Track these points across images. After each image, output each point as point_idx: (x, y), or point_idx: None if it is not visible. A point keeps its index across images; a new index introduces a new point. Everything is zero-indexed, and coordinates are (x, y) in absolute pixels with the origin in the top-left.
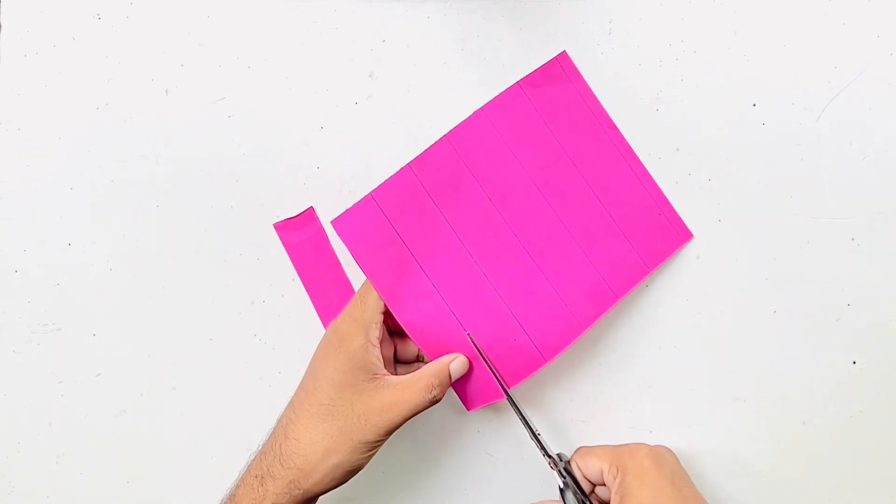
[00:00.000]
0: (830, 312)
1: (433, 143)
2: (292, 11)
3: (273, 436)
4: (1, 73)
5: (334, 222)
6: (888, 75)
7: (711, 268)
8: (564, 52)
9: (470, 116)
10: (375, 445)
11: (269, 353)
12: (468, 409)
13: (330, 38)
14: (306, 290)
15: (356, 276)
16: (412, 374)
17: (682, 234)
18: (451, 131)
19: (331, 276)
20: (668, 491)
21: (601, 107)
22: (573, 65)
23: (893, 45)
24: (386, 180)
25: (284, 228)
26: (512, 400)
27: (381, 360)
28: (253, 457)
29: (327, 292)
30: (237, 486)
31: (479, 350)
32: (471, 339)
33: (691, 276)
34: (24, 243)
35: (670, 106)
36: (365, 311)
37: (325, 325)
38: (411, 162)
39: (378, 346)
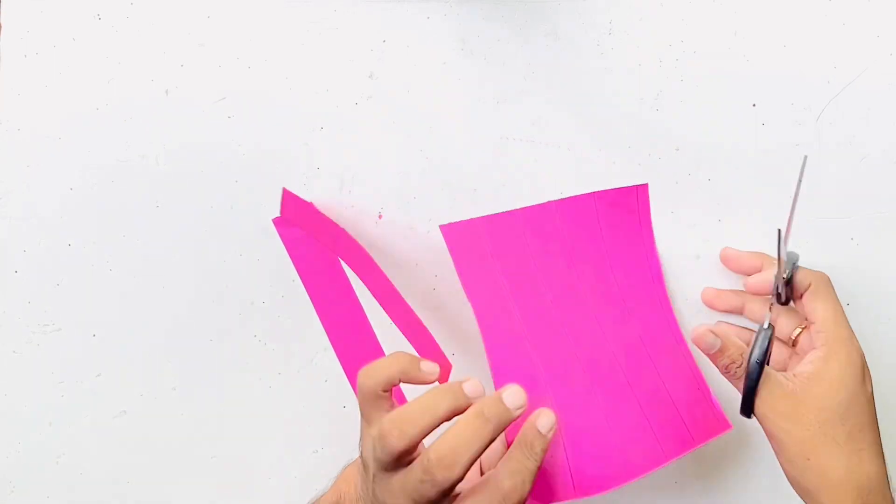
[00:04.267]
0: None
1: (507, 211)
2: (292, 11)
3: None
4: (1, 73)
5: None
6: (888, 75)
7: (711, 268)
8: (646, 185)
9: (544, 204)
10: None
11: (269, 353)
12: None
13: (330, 38)
14: (304, 285)
15: (355, 274)
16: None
17: (719, 424)
18: (524, 209)
19: (329, 272)
20: (860, 406)
21: (655, 252)
22: (647, 201)
23: (893, 45)
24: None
25: (283, 224)
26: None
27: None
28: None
29: (325, 288)
30: None
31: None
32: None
33: (691, 276)
34: (24, 243)
35: (670, 106)
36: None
37: (321, 320)
38: (487, 216)
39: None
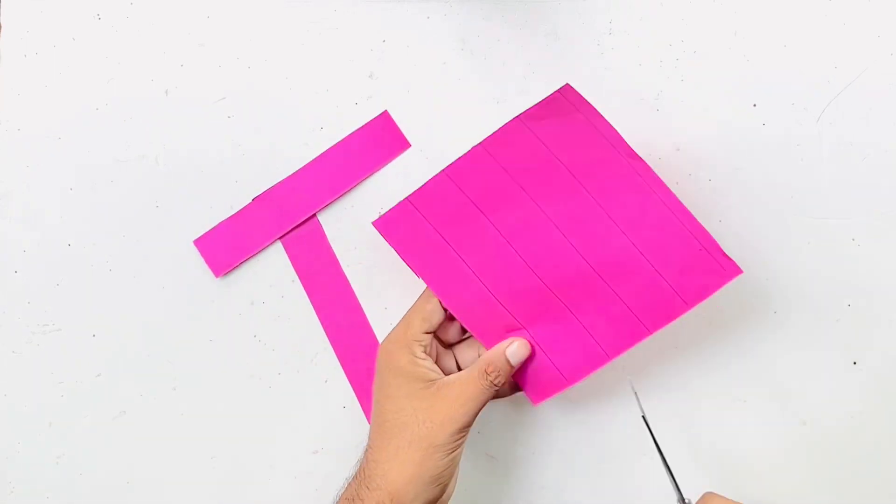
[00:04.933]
0: (830, 312)
1: (431, 177)
2: (292, 11)
3: (358, 462)
4: (1, 73)
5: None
6: (888, 75)
7: None
8: (568, 84)
9: (466, 153)
10: (450, 448)
11: (269, 353)
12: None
13: (330, 38)
14: (304, 287)
15: (354, 273)
16: (468, 367)
17: (728, 270)
18: (446, 168)
19: (328, 272)
20: None
21: (618, 135)
22: (580, 95)
23: (893, 45)
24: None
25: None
26: (650, 428)
27: (435, 369)
28: (345, 483)
29: (324, 288)
30: None
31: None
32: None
33: None
34: (24, 243)
35: (670, 106)
36: (408, 332)
37: (321, 320)
38: (409, 195)
39: (426, 358)
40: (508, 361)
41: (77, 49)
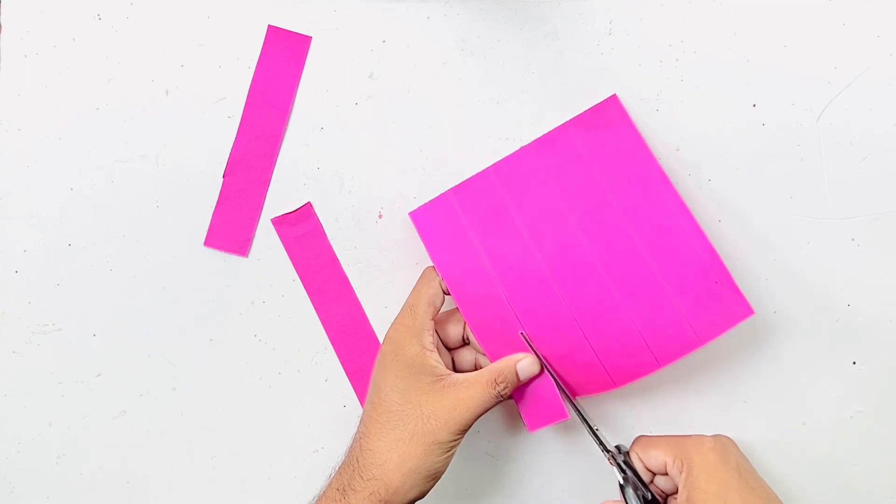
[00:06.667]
0: (830, 312)
1: (477, 173)
2: (292, 11)
3: (350, 450)
4: (1, 73)
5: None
6: (888, 75)
7: None
8: (615, 95)
9: (515, 152)
10: (450, 446)
11: (269, 353)
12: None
13: (330, 38)
14: (303, 285)
15: (354, 273)
16: (478, 370)
17: (740, 309)
18: (494, 164)
19: (328, 271)
20: (735, 484)
21: (652, 156)
22: (623, 109)
23: (893, 45)
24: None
25: (282, 223)
26: (571, 400)
27: (441, 362)
28: (333, 472)
29: (324, 288)
30: (319, 499)
31: (536, 353)
32: (526, 340)
33: None
34: (24, 243)
35: (670, 106)
36: (416, 320)
37: (321, 320)
38: (454, 188)
39: (434, 350)
40: (517, 375)
41: (77, 49)
